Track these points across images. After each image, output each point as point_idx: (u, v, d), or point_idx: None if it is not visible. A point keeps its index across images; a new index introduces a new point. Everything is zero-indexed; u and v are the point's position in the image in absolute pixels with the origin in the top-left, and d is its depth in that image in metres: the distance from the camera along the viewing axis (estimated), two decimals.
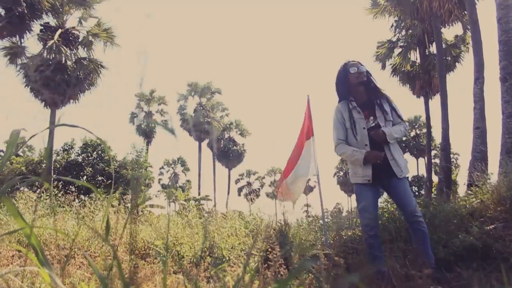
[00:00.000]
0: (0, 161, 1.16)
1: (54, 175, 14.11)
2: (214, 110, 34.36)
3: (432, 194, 12.77)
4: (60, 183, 6.54)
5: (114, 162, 19.46)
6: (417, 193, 27.25)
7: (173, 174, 41.23)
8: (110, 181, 17.30)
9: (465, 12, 11.64)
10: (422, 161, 36.91)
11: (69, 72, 14.26)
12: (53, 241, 4.01)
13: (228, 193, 36.75)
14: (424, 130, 26.78)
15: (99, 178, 19.15)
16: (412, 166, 36.76)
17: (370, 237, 2.91)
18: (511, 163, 6.35)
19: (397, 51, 16.51)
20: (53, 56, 13.98)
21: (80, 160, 20.09)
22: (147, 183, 21.46)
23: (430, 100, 16.03)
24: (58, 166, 19.00)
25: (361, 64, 3.11)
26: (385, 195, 4.07)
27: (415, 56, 16.39)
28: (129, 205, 5.45)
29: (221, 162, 35.94)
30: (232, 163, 36.34)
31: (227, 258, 3.85)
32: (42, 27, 14.46)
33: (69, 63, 14.57)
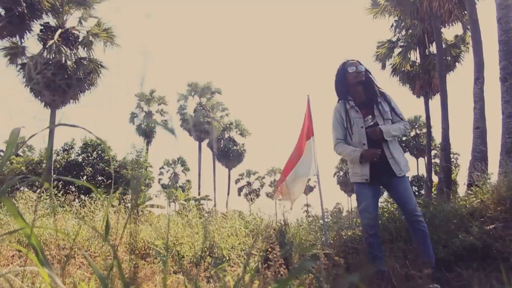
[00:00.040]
0: (0, 161, 1.16)
1: (54, 175, 14.10)
2: (214, 110, 34.37)
3: (432, 194, 12.76)
4: (60, 183, 6.54)
5: (114, 162, 19.46)
6: (417, 193, 27.23)
7: (173, 174, 41.23)
8: (110, 181, 17.30)
9: (465, 12, 11.64)
10: (422, 161, 36.94)
11: (69, 72, 14.27)
12: (53, 241, 4.01)
13: (228, 193, 36.79)
14: (424, 130, 26.79)
15: (99, 178, 19.15)
16: (412, 166, 36.56)
17: (370, 237, 2.91)
18: (511, 163, 6.35)
19: (397, 51, 16.52)
20: (53, 56, 13.99)
21: (80, 160, 20.09)
22: (147, 183, 21.46)
23: (430, 100, 16.04)
24: (58, 166, 19.00)
25: (360, 63, 3.11)
26: (385, 194, 4.07)
27: (415, 56, 16.40)
28: (129, 205, 5.45)
29: (221, 162, 35.95)
30: (232, 163, 36.35)
31: (227, 258, 3.85)
32: (42, 27, 14.46)
33: (69, 63, 14.57)
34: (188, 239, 4.41)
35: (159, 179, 40.53)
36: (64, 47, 14.36)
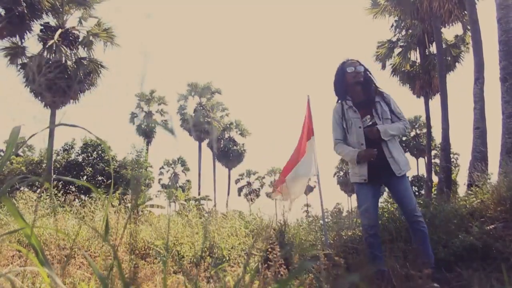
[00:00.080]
0: (0, 161, 1.16)
1: (54, 175, 14.11)
2: (214, 110, 34.38)
3: (432, 194, 12.76)
4: (60, 183, 6.54)
5: (114, 162, 19.46)
6: (417, 193, 27.23)
7: (173, 174, 41.24)
8: (110, 181, 17.30)
9: (465, 12, 11.64)
10: (422, 161, 36.95)
11: (69, 72, 14.27)
12: (53, 241, 4.01)
13: (228, 193, 36.79)
14: (424, 130, 26.78)
15: (99, 178, 19.17)
16: (412, 166, 36.52)
17: (370, 236, 2.91)
18: (511, 163, 6.35)
19: (397, 51, 16.53)
20: (53, 56, 13.99)
21: (80, 160, 20.11)
22: (147, 183, 21.48)
23: (430, 100, 16.04)
24: (58, 166, 19.02)
25: (360, 64, 3.10)
26: (385, 194, 4.07)
27: (415, 56, 16.41)
28: (129, 205, 5.45)
29: (221, 162, 35.95)
30: (232, 163, 36.36)
31: (227, 258, 3.86)
32: (42, 27, 14.47)
33: (69, 63, 14.58)
34: (188, 239, 4.41)
35: (159, 179, 40.56)
36: (64, 47, 14.37)
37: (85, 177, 18.91)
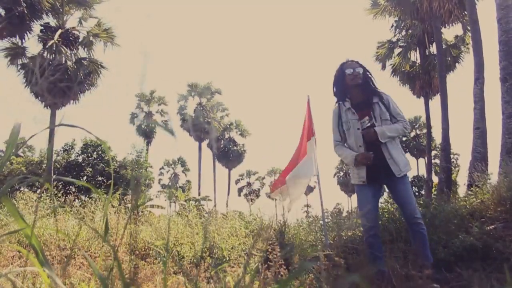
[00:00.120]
0: (0, 161, 1.16)
1: (54, 176, 14.11)
2: (214, 110, 34.39)
3: (433, 194, 12.77)
4: (60, 183, 6.53)
5: (114, 162, 19.47)
6: (417, 193, 27.24)
7: (173, 175, 41.24)
8: (110, 181, 17.30)
9: (465, 12, 11.64)
10: (422, 161, 36.95)
11: (69, 73, 14.28)
12: (53, 241, 4.01)
13: (228, 194, 36.78)
14: (424, 131, 26.78)
15: (99, 179, 19.18)
16: (413, 167, 36.53)
17: (370, 237, 2.91)
18: (511, 163, 6.35)
19: (397, 51, 16.53)
20: (53, 56, 14.00)
21: (80, 160, 20.12)
22: (147, 184, 21.47)
23: (430, 100, 16.04)
24: (58, 166, 19.02)
25: (359, 65, 3.09)
26: (385, 194, 4.07)
27: (415, 56, 16.42)
28: (129, 205, 5.45)
29: (221, 162, 35.95)
30: (232, 163, 36.35)
31: (228, 259, 3.86)
32: (42, 27, 14.47)
33: (69, 63, 14.59)
34: (188, 240, 4.41)
35: (159, 180, 40.57)
36: (64, 48, 14.38)
37: (85, 177, 18.91)
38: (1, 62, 13.97)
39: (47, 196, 5.70)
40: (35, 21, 14.06)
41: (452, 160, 16.98)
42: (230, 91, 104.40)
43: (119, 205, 5.19)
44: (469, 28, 11.34)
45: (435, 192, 12.41)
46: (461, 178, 11.33)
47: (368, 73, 3.12)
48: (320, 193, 4.41)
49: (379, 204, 3.51)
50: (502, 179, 4.69)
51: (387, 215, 4.39)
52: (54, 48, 13.96)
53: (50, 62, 13.52)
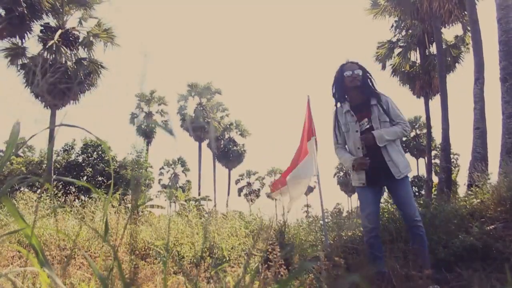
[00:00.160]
0: (0, 161, 1.16)
1: (54, 176, 14.11)
2: (214, 110, 34.38)
3: (433, 194, 12.77)
4: (60, 183, 6.53)
5: (114, 162, 19.46)
6: (417, 193, 27.25)
7: (173, 175, 41.23)
8: (110, 181, 17.29)
9: (465, 12, 11.64)
10: (422, 161, 36.94)
11: (69, 73, 14.28)
12: (53, 241, 4.01)
13: (228, 194, 36.77)
14: (424, 131, 26.78)
15: (99, 179, 19.18)
16: (413, 167, 36.25)
17: (370, 237, 2.91)
18: (511, 163, 6.35)
19: (397, 51, 16.53)
20: (53, 56, 14.00)
21: (80, 160, 20.12)
22: (147, 184, 21.47)
23: (430, 100, 16.04)
24: (58, 166, 19.02)
25: (359, 66, 3.07)
26: (385, 194, 4.07)
27: (415, 56, 16.41)
28: (129, 205, 5.45)
29: (221, 162, 35.95)
30: (232, 163, 36.35)
31: (228, 259, 3.86)
32: (42, 28, 14.47)
33: (69, 63, 14.59)
34: (188, 240, 4.41)
35: (159, 180, 40.55)
36: (64, 48, 14.37)
37: (85, 177, 18.91)
38: (1, 62, 13.96)
39: (47, 196, 5.69)
40: (35, 21, 14.06)
41: (452, 160, 16.97)
42: (230, 91, 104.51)
43: (119, 205, 5.19)
44: (469, 28, 11.34)
45: (435, 192, 12.41)
46: (461, 178, 11.34)
47: (368, 75, 3.11)
48: (320, 193, 4.41)
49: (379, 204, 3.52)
50: (502, 179, 4.69)
51: (387, 215, 4.39)
52: (54, 48, 13.96)
53: (51, 63, 13.52)
